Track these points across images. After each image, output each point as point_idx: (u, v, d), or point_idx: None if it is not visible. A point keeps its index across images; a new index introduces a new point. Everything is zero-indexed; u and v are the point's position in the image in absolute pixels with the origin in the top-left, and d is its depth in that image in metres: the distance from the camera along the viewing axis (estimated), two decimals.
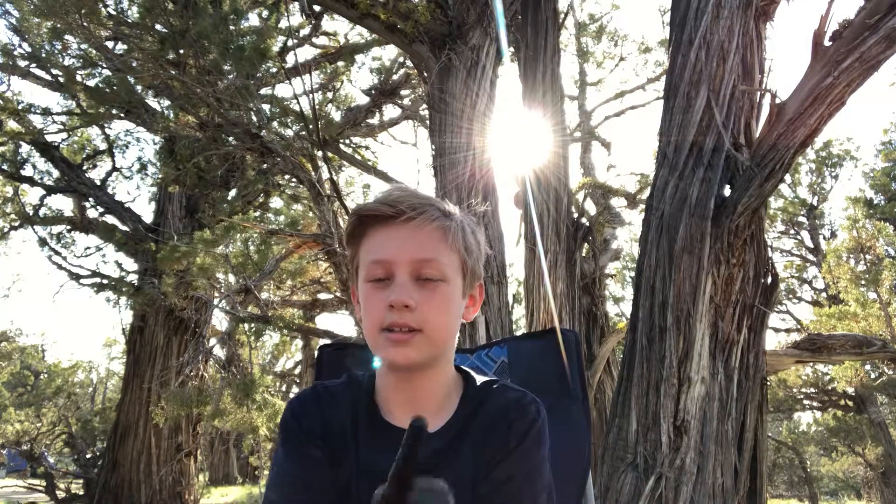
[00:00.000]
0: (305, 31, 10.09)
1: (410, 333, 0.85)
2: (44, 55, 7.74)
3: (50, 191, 10.01)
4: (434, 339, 0.87)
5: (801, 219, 16.70)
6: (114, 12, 7.09)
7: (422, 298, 0.86)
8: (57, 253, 9.98)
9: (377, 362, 0.93)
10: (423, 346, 0.85)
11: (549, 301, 5.22)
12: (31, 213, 10.14)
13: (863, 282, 9.87)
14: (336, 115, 10.40)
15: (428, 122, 6.50)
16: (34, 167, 10.02)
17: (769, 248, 3.95)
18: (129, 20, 7.18)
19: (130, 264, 10.26)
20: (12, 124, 9.11)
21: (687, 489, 3.32)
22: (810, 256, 16.48)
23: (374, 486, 0.87)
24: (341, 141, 9.99)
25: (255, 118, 6.25)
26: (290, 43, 9.23)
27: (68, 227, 10.25)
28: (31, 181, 9.83)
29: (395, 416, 0.91)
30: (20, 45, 8.47)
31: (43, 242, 9.95)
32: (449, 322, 0.89)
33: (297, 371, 19.57)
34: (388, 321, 0.85)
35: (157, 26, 6.48)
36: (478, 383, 0.95)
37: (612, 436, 3.63)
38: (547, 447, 0.89)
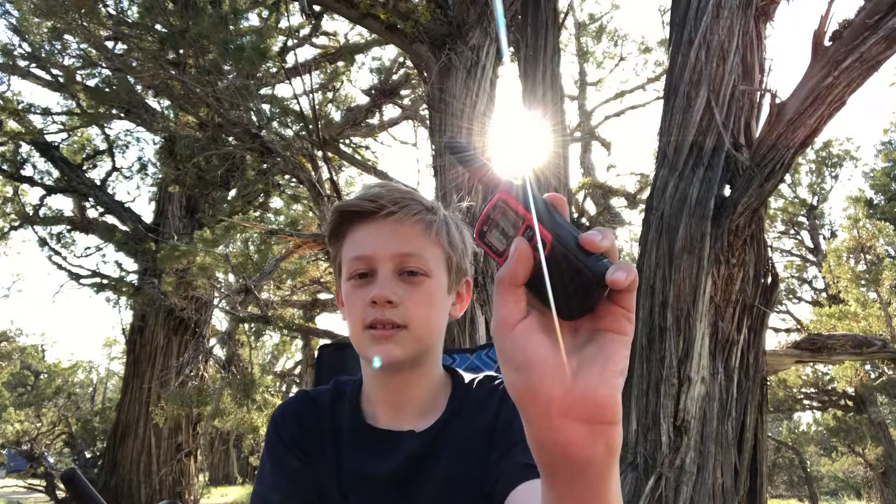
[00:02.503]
0: (305, 31, 10.10)
1: (394, 329, 0.83)
2: (44, 55, 7.75)
3: (50, 191, 10.02)
4: (419, 336, 0.84)
5: (801, 219, 16.69)
6: (114, 12, 7.10)
7: (405, 294, 0.84)
8: (57, 253, 10.00)
9: (377, 363, 0.92)
10: (408, 343, 0.83)
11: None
12: (31, 213, 10.16)
13: (863, 282, 9.88)
14: (336, 115, 10.40)
15: (428, 122, 6.50)
16: (34, 167, 10.05)
17: (769, 248, 3.95)
18: (129, 20, 7.18)
19: (130, 264, 10.30)
20: (12, 124, 9.12)
21: (687, 489, 3.32)
22: (810, 256, 16.48)
23: (362, 489, 0.85)
24: (341, 141, 9.99)
25: (255, 118, 6.24)
26: (290, 43, 9.23)
27: (68, 227, 10.26)
28: (31, 181, 9.84)
29: (380, 418, 0.89)
30: (20, 45, 8.48)
31: (43, 242, 9.97)
32: (434, 317, 0.87)
33: (297, 371, 19.56)
34: (370, 318, 0.83)
35: (157, 26, 6.48)
36: (465, 382, 0.93)
37: None
38: None
